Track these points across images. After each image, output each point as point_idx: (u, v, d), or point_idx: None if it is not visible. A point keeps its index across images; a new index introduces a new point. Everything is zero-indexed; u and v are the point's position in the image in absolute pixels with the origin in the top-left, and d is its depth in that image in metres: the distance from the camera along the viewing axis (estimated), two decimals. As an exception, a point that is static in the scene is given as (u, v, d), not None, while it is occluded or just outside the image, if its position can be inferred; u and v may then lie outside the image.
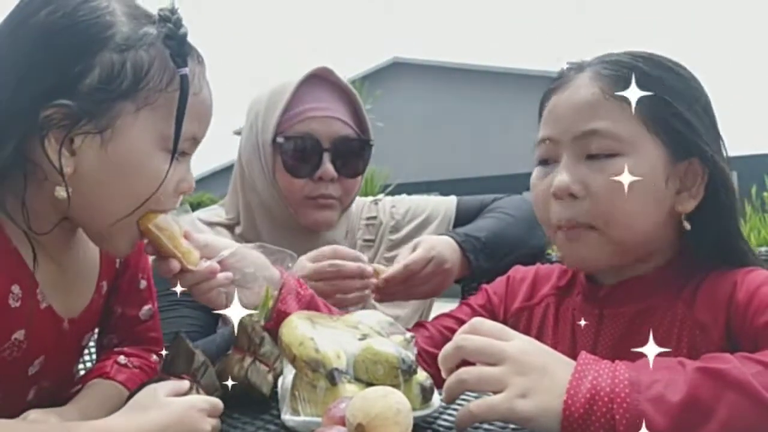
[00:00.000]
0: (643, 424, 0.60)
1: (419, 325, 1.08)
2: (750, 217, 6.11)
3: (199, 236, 0.90)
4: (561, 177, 0.85)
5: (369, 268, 1.10)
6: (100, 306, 0.93)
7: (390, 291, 1.13)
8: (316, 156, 1.22)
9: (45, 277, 0.81)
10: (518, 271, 1.07)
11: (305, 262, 1.09)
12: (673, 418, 0.60)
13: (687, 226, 0.86)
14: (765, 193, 6.62)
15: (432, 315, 1.37)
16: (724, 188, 0.84)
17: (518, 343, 0.69)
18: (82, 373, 0.99)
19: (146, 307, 0.99)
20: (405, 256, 1.14)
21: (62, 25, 0.74)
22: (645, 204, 0.83)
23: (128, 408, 0.72)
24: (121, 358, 0.94)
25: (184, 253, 0.85)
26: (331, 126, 1.23)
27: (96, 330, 0.98)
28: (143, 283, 0.99)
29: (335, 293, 1.08)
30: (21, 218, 0.77)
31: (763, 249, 1.20)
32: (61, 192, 0.74)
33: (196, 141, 0.83)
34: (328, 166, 1.22)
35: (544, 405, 0.64)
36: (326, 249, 1.10)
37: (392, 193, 1.51)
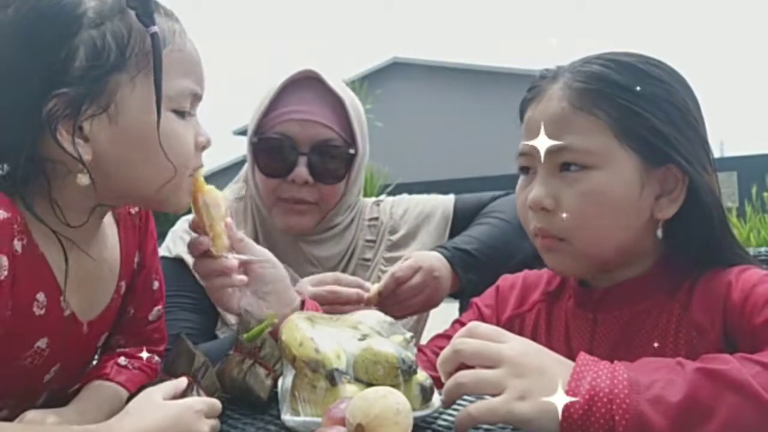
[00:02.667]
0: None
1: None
2: (750, 217, 6.11)
3: (238, 231, 0.90)
4: (535, 191, 0.85)
5: (366, 295, 1.10)
6: (118, 307, 0.92)
7: (385, 304, 1.13)
8: (291, 158, 1.20)
9: (68, 281, 0.80)
10: (506, 279, 1.06)
11: (306, 286, 1.09)
12: (673, 418, 0.60)
13: (659, 234, 0.86)
14: (765, 193, 6.62)
15: (428, 323, 1.37)
16: (704, 192, 0.83)
17: (515, 345, 0.69)
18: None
19: (156, 308, 0.99)
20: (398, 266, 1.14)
21: (34, 16, 0.73)
22: (617, 217, 0.83)
23: (125, 412, 0.72)
24: (122, 360, 0.93)
25: (215, 235, 0.86)
26: (311, 129, 1.20)
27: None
28: (156, 284, 0.99)
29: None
30: (52, 218, 0.76)
31: (762, 249, 1.20)
32: (83, 179, 0.74)
33: (197, 97, 0.83)
34: (301, 170, 1.20)
35: (543, 406, 0.63)
36: (328, 276, 1.11)
37: (392, 193, 1.51)
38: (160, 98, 0.76)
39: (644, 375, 0.64)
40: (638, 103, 0.82)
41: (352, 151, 1.25)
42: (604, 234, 0.84)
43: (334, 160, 1.23)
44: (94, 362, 0.94)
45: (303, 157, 1.20)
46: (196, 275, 0.97)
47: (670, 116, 0.83)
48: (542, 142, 0.84)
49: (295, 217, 1.24)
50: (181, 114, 0.80)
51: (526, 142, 0.88)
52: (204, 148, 0.84)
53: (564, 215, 0.83)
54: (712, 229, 0.84)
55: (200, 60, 0.84)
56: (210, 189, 0.87)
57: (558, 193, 0.84)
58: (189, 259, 1.25)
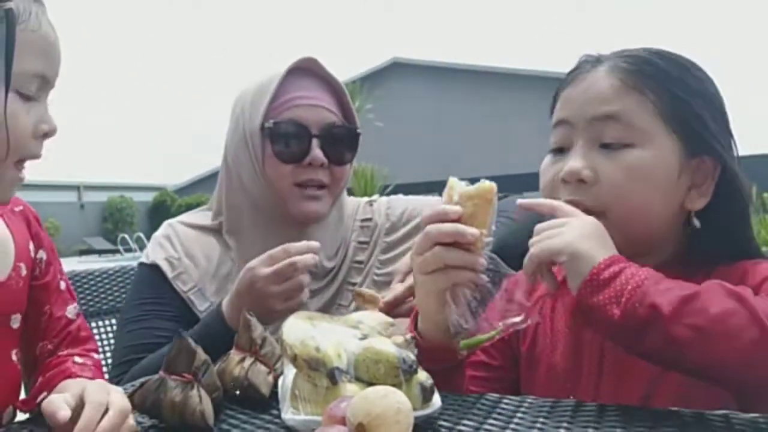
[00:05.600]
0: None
1: None
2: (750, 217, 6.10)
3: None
4: (573, 162, 0.85)
5: (313, 259, 1.06)
6: (23, 290, 0.94)
7: (393, 314, 1.10)
8: (305, 142, 1.21)
9: None
10: (509, 279, 1.06)
11: (260, 269, 1.05)
12: (673, 306, 0.69)
13: (697, 224, 0.87)
14: (765, 194, 6.62)
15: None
16: (734, 189, 0.86)
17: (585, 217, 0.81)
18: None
19: (71, 306, 1.01)
20: (402, 271, 1.11)
21: None
22: (655, 196, 0.85)
23: None
24: (77, 359, 0.94)
25: (483, 227, 0.83)
26: (319, 113, 1.23)
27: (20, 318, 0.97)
28: (63, 284, 1.01)
29: (294, 293, 1.06)
30: None
31: (763, 249, 1.20)
32: None
33: (45, 80, 0.81)
34: (317, 152, 1.21)
35: (592, 252, 0.75)
36: (277, 250, 1.07)
37: (392, 194, 1.48)
38: (10, 75, 0.75)
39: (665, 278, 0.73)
40: (684, 91, 0.85)
41: (358, 131, 1.28)
42: (642, 210, 0.85)
43: (342, 141, 1.26)
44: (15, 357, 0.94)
45: (316, 139, 1.22)
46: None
47: (710, 109, 0.86)
48: (590, 111, 0.86)
49: (312, 202, 1.23)
50: (24, 96, 0.78)
51: (568, 111, 0.88)
52: (46, 135, 0.82)
53: (602, 187, 0.85)
54: (737, 225, 0.87)
55: (56, 45, 0.81)
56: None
57: (597, 165, 0.85)
58: (165, 267, 1.24)
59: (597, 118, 0.85)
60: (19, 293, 0.93)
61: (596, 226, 0.80)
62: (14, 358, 0.94)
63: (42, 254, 0.99)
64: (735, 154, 0.88)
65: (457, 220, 0.80)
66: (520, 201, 0.86)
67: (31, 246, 0.97)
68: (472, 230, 0.79)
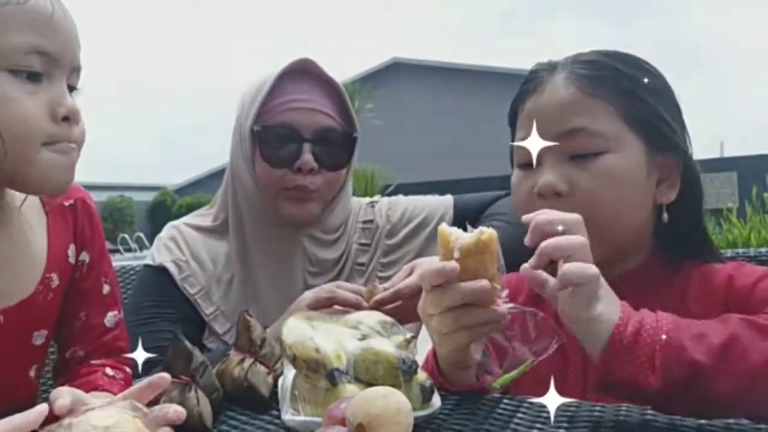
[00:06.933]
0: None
1: None
2: (750, 217, 6.10)
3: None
4: (546, 177, 0.85)
5: (365, 303, 1.05)
6: (52, 303, 0.87)
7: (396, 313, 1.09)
8: (295, 146, 1.19)
9: None
10: None
11: (306, 299, 1.07)
12: (713, 357, 0.63)
13: (665, 217, 0.88)
14: (765, 194, 6.62)
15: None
16: (694, 184, 0.88)
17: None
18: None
19: (111, 314, 0.94)
20: (401, 278, 1.09)
21: None
22: (631, 198, 0.85)
23: None
24: (108, 371, 0.89)
25: (491, 279, 0.76)
26: (313, 117, 1.20)
27: (48, 332, 0.91)
28: (107, 288, 0.94)
29: None
30: None
31: (763, 249, 1.20)
32: None
33: (50, 57, 0.74)
34: (307, 157, 1.18)
35: (609, 313, 0.68)
36: (326, 286, 1.08)
37: (393, 194, 1.47)
38: None
39: (685, 321, 0.68)
40: (641, 91, 0.85)
41: (355, 135, 1.25)
42: (620, 214, 0.85)
43: (336, 146, 1.23)
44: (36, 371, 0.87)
45: (307, 144, 1.20)
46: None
47: (668, 106, 0.87)
48: (556, 127, 0.85)
49: (303, 205, 1.22)
50: (23, 75, 0.72)
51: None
52: (67, 119, 0.74)
53: (579, 197, 0.83)
54: (698, 218, 0.88)
55: (60, 18, 0.75)
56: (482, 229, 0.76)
57: (571, 177, 0.84)
58: (173, 269, 1.23)
59: (563, 134, 0.84)
60: (46, 308, 0.86)
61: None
62: (32, 374, 0.88)
63: (85, 256, 0.91)
64: (690, 148, 0.89)
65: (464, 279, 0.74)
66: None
67: (72, 249, 0.90)
68: (484, 286, 0.73)
